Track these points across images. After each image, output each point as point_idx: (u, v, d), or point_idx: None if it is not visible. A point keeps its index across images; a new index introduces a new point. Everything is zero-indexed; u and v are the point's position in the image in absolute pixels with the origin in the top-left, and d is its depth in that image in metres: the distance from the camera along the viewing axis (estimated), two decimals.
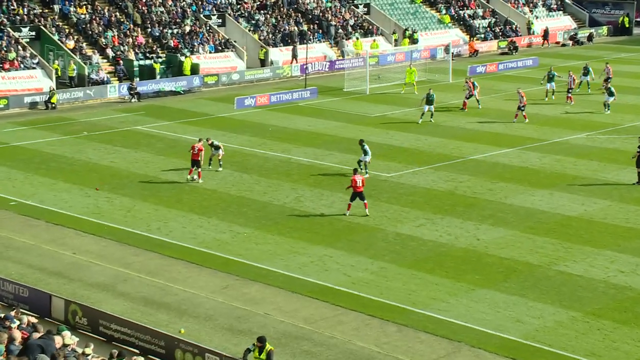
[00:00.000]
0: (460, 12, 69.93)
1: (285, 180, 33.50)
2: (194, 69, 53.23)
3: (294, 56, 58.08)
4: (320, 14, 63.12)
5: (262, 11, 61.40)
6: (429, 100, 42.30)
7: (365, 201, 29.21)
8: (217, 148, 34.59)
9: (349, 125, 42.81)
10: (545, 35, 68.80)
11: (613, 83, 50.43)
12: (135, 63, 52.02)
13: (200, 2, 60.03)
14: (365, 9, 66.24)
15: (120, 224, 28.69)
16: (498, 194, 31.71)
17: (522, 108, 42.58)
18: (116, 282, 24.00)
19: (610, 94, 45.02)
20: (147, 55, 53.28)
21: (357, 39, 61.76)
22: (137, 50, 53.42)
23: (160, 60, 52.96)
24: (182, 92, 51.34)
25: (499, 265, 25.11)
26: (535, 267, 24.93)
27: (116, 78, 51.36)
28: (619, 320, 21.57)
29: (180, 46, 55.13)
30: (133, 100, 49.17)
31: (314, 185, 32.86)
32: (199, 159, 32.78)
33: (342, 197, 31.28)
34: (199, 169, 33.03)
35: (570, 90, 44.64)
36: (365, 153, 33.58)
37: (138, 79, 51.10)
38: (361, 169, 32.75)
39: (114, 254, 26.16)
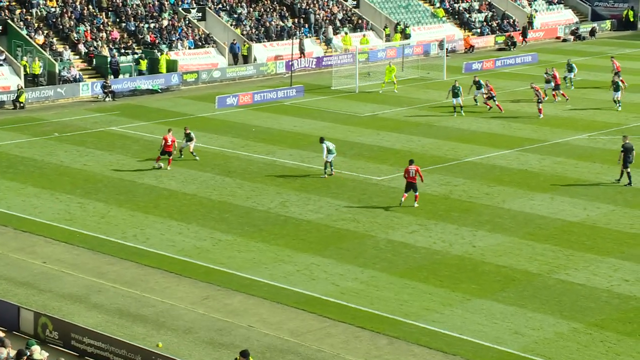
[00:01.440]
0: (455, 5, 70.21)
1: (270, 184, 33.57)
2: (172, 66, 53.21)
3: (302, 50, 58.32)
4: (307, 7, 63.23)
5: (251, 5, 61.41)
6: (455, 94, 44.05)
7: (417, 193, 30.59)
8: (191, 139, 36.07)
9: (337, 126, 42.92)
10: (524, 33, 67.80)
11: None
12: (110, 60, 51.97)
13: None
14: (355, 2, 66.42)
15: (94, 231, 28.66)
16: (495, 198, 31.87)
17: (540, 101, 43.31)
18: (89, 293, 23.98)
19: (616, 89, 45.35)
20: (122, 51, 53.26)
21: (346, 33, 61.92)
22: (111, 46, 53.38)
23: (137, 56, 52.97)
24: (159, 90, 51.33)
25: (496, 273, 25.25)
26: (535, 275, 25.08)
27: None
28: (623, 332, 21.73)
29: (157, 41, 55.13)
30: (107, 99, 49.12)
31: (300, 190, 32.93)
32: (172, 150, 34.83)
33: (329, 202, 31.38)
34: (170, 157, 34.91)
35: (539, 102, 44.10)
36: (329, 152, 33.83)
37: (112, 76, 51.11)
38: (327, 170, 34.07)
39: (87, 263, 26.14)
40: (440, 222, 29.45)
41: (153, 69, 52.81)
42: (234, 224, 29.36)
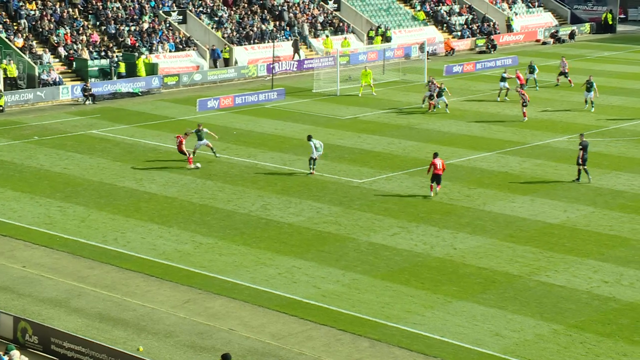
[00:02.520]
0: (436, 8, 70.44)
1: (251, 187, 33.53)
2: (153, 69, 53.04)
3: (296, 50, 58.56)
4: (282, 7, 63.21)
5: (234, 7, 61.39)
6: (440, 94, 45.38)
7: (440, 185, 32.11)
8: (200, 138, 36.38)
9: (318, 129, 42.93)
10: (490, 40, 67.01)
11: (597, 83, 51.13)
12: (91, 63, 51.76)
13: None
14: (336, 5, 66.50)
15: (74, 234, 28.52)
16: (476, 200, 31.98)
17: (525, 105, 43.65)
18: (70, 297, 23.85)
19: (589, 89, 45.66)
20: (102, 54, 53.05)
21: (327, 37, 61.97)
22: (91, 49, 53.16)
23: (117, 59, 52.76)
24: (140, 93, 51.17)
25: (477, 275, 25.33)
26: (515, 277, 25.17)
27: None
28: (603, 333, 21.85)
29: (138, 44, 54.96)
30: (87, 102, 48.91)
31: (282, 193, 32.92)
32: (183, 149, 35.68)
33: (311, 205, 31.38)
34: (189, 156, 35.63)
35: (524, 105, 44.17)
36: (316, 149, 34.39)
37: (94, 79, 50.91)
38: (311, 167, 34.74)
39: (67, 267, 26.00)
40: (421, 224, 29.52)
41: (133, 72, 52.58)
42: (215, 227, 29.30)
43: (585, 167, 33.70)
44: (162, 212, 30.71)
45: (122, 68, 52.13)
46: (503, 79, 48.69)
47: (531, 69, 51.41)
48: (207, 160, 37.13)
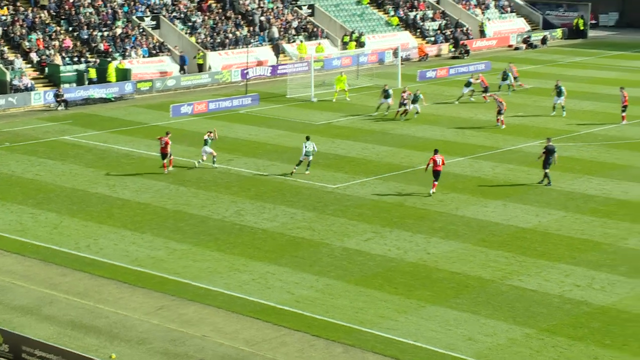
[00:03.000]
0: (409, 13, 70.74)
1: (225, 193, 33.48)
2: (125, 74, 52.82)
3: (278, 53, 58.88)
4: (254, 10, 63.21)
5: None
6: (386, 95, 45.81)
7: (436, 182, 32.71)
8: (205, 142, 36.53)
9: (292, 134, 42.95)
10: (463, 46, 66.91)
11: (569, 88, 51.51)
12: (63, 68, 51.46)
13: (132, 3, 59.70)
14: (310, 11, 66.60)
15: (46, 241, 28.33)
16: (449, 205, 32.13)
17: (502, 113, 43.61)
18: (41, 305, 23.68)
19: (559, 94, 46.02)
20: (75, 59, 52.77)
21: (301, 42, 62.04)
22: (64, 55, 52.87)
23: (91, 65, 52.49)
24: (112, 99, 50.94)
25: (450, 280, 25.45)
26: (488, 282, 25.32)
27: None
28: (574, 337, 22.02)
29: (111, 50, 54.73)
30: (60, 108, 48.62)
31: (256, 198, 32.89)
32: (167, 152, 35.43)
33: (285, 210, 31.39)
34: (170, 158, 35.63)
35: (500, 113, 44.41)
36: (306, 153, 35.04)
37: (74, 84, 50.57)
38: (303, 167, 35.32)
39: (39, 274, 25.82)
40: (394, 229, 29.61)
41: (104, 77, 52.25)
42: (189, 233, 29.22)
43: (547, 170, 34.07)
44: (135, 219, 30.58)
45: (93, 73, 51.80)
46: (468, 84, 49.57)
47: (504, 76, 51.71)
48: (180, 165, 37.00)
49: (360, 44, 63.72)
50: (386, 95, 46.36)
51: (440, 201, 32.54)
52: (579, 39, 75.82)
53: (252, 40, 60.46)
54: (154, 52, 56.41)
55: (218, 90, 54.15)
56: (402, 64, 58.13)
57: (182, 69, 56.00)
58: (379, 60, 63.39)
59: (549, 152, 34.08)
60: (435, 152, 33.24)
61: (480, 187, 34.25)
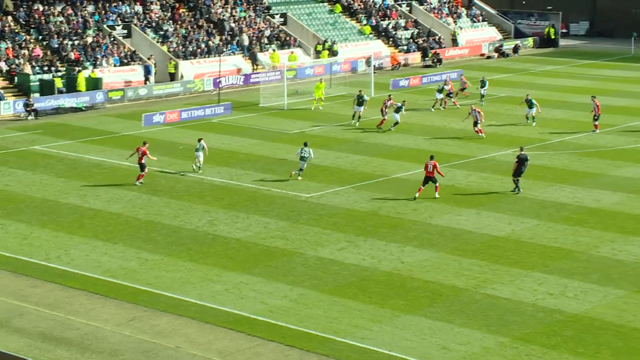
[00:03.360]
0: (382, 22, 71.01)
1: (198, 203, 33.35)
2: (96, 84, 52.50)
3: (254, 61, 59.12)
4: (234, 24, 63.23)
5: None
6: (360, 103, 45.82)
7: (437, 184, 33.45)
8: (198, 150, 36.92)
9: (265, 143, 42.91)
10: (436, 55, 67.02)
11: (541, 97, 51.94)
12: (33, 77, 51.11)
13: (103, 12, 59.43)
14: (282, 19, 66.65)
15: (16, 252, 28.04)
16: (423, 214, 32.22)
17: (477, 123, 43.57)
18: (11, 317, 23.42)
19: (530, 106, 46.27)
20: (45, 68, 52.40)
21: (274, 51, 62.05)
22: (34, 64, 52.49)
23: (60, 74, 52.16)
24: (83, 108, 50.62)
25: (424, 289, 25.50)
26: (462, 290, 25.39)
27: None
28: (548, 345, 22.13)
29: (81, 59, 54.41)
30: (30, 117, 48.23)
31: (229, 208, 32.80)
32: (143, 161, 35.18)
33: (258, 220, 31.32)
34: (144, 171, 35.38)
35: (477, 123, 44.55)
36: (302, 158, 35.86)
37: (38, 94, 50.20)
38: (297, 173, 36.12)
39: (9, 285, 25.54)
40: (369, 238, 29.64)
41: (74, 87, 51.83)
42: (161, 243, 29.07)
43: (517, 178, 34.28)
44: (107, 229, 30.37)
45: (59, 83, 51.27)
46: (440, 90, 50.20)
47: (482, 84, 51.94)
48: (153, 175, 36.83)
49: (333, 53, 63.84)
50: (359, 102, 46.17)
51: (414, 210, 32.62)
52: (550, 47, 76.50)
53: (224, 49, 60.37)
54: (126, 61, 56.15)
55: (190, 99, 54.00)
56: (374, 72, 58.32)
57: (147, 80, 55.46)
58: (352, 69, 63.54)
59: (521, 161, 34.30)
60: (431, 158, 33.96)
61: (454, 196, 34.38)
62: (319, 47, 64.13)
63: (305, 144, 36.45)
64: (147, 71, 55.55)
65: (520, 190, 34.42)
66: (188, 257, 27.81)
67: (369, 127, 46.04)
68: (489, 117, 48.46)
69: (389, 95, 47.76)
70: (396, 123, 45.04)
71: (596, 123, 45.08)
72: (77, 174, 37.28)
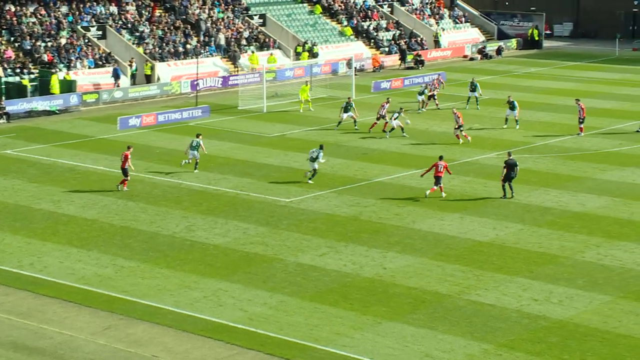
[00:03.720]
0: (363, 24, 71.15)
1: (175, 208, 33.25)
2: (70, 86, 52.24)
3: (235, 61, 59.07)
4: (212, 25, 63.16)
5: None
6: (346, 109, 45.72)
7: (442, 185, 34.42)
8: (194, 148, 37.42)
9: (244, 147, 42.86)
10: (404, 56, 68.59)
11: (524, 99, 52.23)
12: (4, 80, 50.81)
13: (77, 12, 59.19)
14: (261, 21, 66.64)
15: None
16: (405, 218, 32.27)
17: (460, 128, 43.21)
18: None
19: (512, 107, 46.39)
20: (18, 71, 52.09)
21: (253, 52, 62.01)
22: (5, 66, 52.16)
23: (32, 76, 51.87)
24: (57, 111, 50.37)
25: (406, 295, 25.52)
26: (445, 296, 25.44)
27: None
28: (533, 352, 22.20)
29: (55, 61, 54.14)
30: (1, 121, 47.94)
31: (207, 213, 32.72)
32: (125, 166, 34.74)
33: (237, 225, 31.25)
34: (126, 178, 35.06)
35: (458, 128, 44.16)
36: (312, 159, 36.13)
37: (4, 97, 49.91)
38: (308, 176, 36.40)
39: None
40: (350, 243, 29.64)
41: (48, 89, 51.50)
42: (138, 249, 28.95)
43: (509, 183, 34.37)
44: (82, 235, 30.22)
45: (28, 85, 50.84)
46: (421, 93, 50.66)
47: (472, 87, 51.95)
48: (129, 180, 36.67)
49: (313, 55, 63.90)
50: (347, 109, 46.02)
51: (397, 215, 32.67)
52: (533, 49, 76.93)
53: (202, 51, 60.28)
54: (101, 63, 55.94)
55: (167, 102, 53.86)
56: (356, 74, 58.41)
57: (116, 83, 55.06)
58: (333, 70, 63.62)
59: (510, 167, 34.21)
60: (440, 158, 34.85)
61: (436, 200, 34.45)
62: (299, 49, 64.16)
63: (321, 147, 36.73)
64: (115, 74, 55.04)
65: (513, 194, 34.31)
66: (165, 264, 27.71)
67: (349, 129, 46.05)
68: (471, 120, 48.65)
69: (387, 98, 47.40)
70: (392, 129, 44.27)
71: (581, 126, 45.34)
72: (51, 179, 37.08)
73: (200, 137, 38.23)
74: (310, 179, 36.33)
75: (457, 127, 43.44)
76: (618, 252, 29.00)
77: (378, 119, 45.28)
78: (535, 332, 23.24)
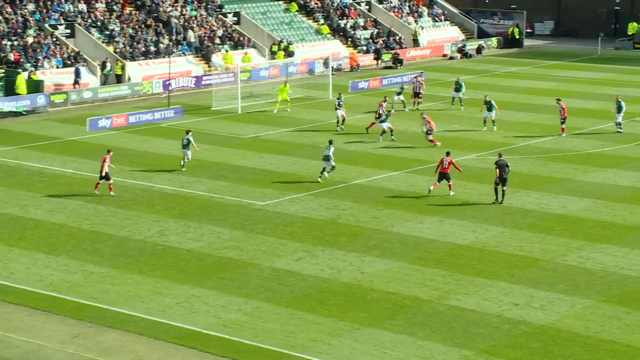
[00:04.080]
0: (340, 22, 71.24)
1: (147, 212, 33.13)
2: (38, 86, 51.92)
3: (208, 61, 59.50)
4: (185, 24, 63.00)
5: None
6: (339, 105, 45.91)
7: (450, 182, 34.81)
8: (185, 146, 38.16)
9: (218, 148, 42.79)
10: (378, 54, 68.87)
11: (505, 99, 52.52)
12: None
13: (44, 10, 58.85)
14: (235, 19, 66.57)
15: None
16: (384, 222, 32.34)
17: (430, 132, 42.98)
18: None
19: (489, 109, 46.37)
20: None
21: (227, 51, 61.92)
22: None
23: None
24: (24, 112, 50.05)
25: (385, 301, 25.57)
26: (425, 302, 25.51)
27: None
28: (514, 358, 22.30)
29: (21, 60, 53.78)
30: None
31: (180, 217, 32.63)
32: (103, 172, 34.59)
33: (211, 229, 31.19)
34: (109, 181, 34.71)
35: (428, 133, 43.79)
36: (325, 158, 36.76)
37: None
38: (323, 174, 36.89)
39: None
40: (327, 248, 29.66)
41: (14, 90, 51.14)
42: (108, 255, 28.82)
43: (504, 188, 34.17)
44: (50, 240, 30.05)
45: None
46: (399, 93, 50.82)
47: (457, 87, 52.01)
48: (101, 183, 36.51)
49: (289, 54, 63.90)
50: (338, 105, 45.94)
51: (375, 218, 32.73)
52: (514, 48, 77.34)
53: (174, 50, 60.12)
54: (69, 62, 55.64)
55: (138, 103, 53.67)
56: (333, 74, 58.47)
57: (76, 83, 54.61)
58: (309, 70, 63.64)
59: (501, 167, 34.06)
60: (447, 154, 35.22)
61: (415, 203, 34.56)
62: (274, 48, 64.12)
63: (330, 142, 37.27)
64: (77, 74, 54.63)
65: (498, 199, 34.18)
66: (136, 270, 27.61)
67: (329, 129, 46.10)
68: (450, 120, 48.85)
69: (385, 97, 47.09)
70: (383, 132, 43.83)
71: (563, 126, 45.64)
72: (17, 182, 36.83)
73: (190, 133, 38.55)
74: (321, 175, 36.85)
75: (426, 131, 42.92)
76: (600, 255, 29.21)
77: (377, 118, 44.95)
78: (516, 337, 23.35)
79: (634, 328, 23.85)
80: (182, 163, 38.53)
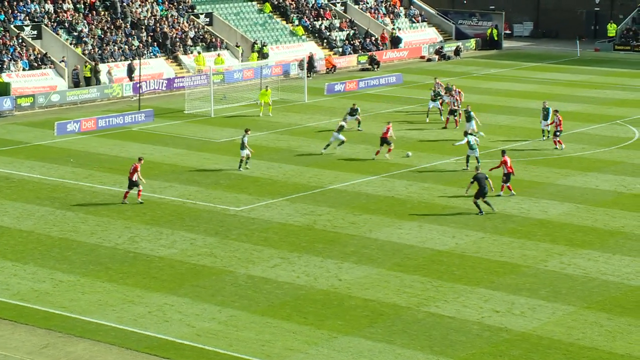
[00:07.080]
0: (315, 23, 71.36)
1: (117, 218, 33.03)
2: (5, 89, 51.61)
3: (175, 57, 58.91)
4: (155, 25, 62.86)
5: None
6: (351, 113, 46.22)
7: (509, 184, 36.04)
8: (243, 147, 39.03)
9: (191, 153, 42.72)
10: (372, 57, 70.04)
11: (484, 102, 52.75)
12: None
13: (9, 11, 58.50)
14: (207, 19, 66.51)
15: None
16: (362, 227, 32.41)
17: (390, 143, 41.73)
18: None
19: (468, 119, 44.87)
20: None
21: (199, 53, 61.85)
22: None
23: None
24: None
25: (363, 308, 25.63)
26: (404, 309, 25.60)
27: None
28: None
29: None
30: None
31: (151, 223, 32.55)
32: (133, 178, 34.22)
33: (183, 236, 31.13)
34: (139, 188, 34.47)
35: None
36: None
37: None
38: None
39: None
40: (303, 254, 29.69)
41: None
42: (77, 262, 28.70)
43: (485, 199, 33.67)
44: (17, 248, 29.88)
45: None
46: (435, 99, 49.55)
47: (446, 90, 51.55)
48: (67, 189, 36.35)
49: (263, 56, 63.92)
50: (352, 113, 45.77)
51: (353, 223, 32.80)
52: (493, 49, 77.79)
53: (145, 52, 59.95)
54: (36, 64, 55.36)
55: (108, 106, 53.49)
56: (308, 76, 58.50)
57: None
58: (284, 72, 63.68)
59: (479, 181, 33.54)
60: (503, 153, 36.63)
61: (394, 208, 34.66)
62: (257, 48, 64.03)
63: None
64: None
65: (485, 208, 33.74)
66: (107, 278, 27.51)
67: (305, 134, 46.09)
68: (428, 123, 48.98)
69: (389, 122, 43.46)
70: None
71: (558, 139, 44.13)
72: None
73: (249, 132, 39.84)
74: (326, 147, 38.08)
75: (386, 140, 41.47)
76: (581, 261, 29.44)
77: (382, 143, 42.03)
78: (497, 345, 23.48)
79: (616, 335, 24.06)
80: (241, 165, 39.30)
